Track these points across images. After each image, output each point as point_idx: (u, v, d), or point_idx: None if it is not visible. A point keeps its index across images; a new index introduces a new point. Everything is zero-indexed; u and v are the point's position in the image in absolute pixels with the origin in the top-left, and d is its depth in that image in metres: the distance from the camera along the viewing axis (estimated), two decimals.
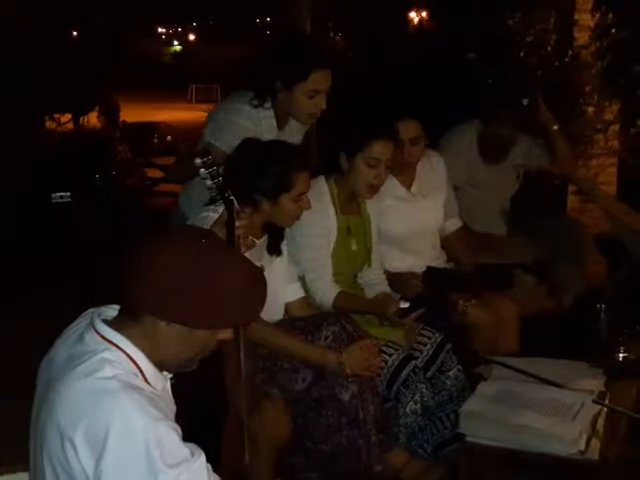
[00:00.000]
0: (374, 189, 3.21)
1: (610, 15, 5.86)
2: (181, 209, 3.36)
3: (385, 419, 2.90)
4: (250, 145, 2.88)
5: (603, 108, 5.95)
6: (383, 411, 2.90)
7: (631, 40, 5.73)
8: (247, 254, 2.28)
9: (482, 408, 2.45)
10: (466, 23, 7.11)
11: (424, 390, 2.96)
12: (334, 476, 2.80)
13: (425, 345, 3.16)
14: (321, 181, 3.22)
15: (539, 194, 5.03)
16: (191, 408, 1.96)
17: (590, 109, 5.93)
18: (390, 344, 3.01)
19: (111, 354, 1.60)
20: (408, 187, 3.59)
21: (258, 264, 2.30)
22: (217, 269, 1.63)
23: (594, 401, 2.46)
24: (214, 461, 1.61)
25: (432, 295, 3.29)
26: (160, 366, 1.68)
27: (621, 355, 2.77)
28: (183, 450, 1.53)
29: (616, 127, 6.01)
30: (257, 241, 2.82)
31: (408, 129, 3.41)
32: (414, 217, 3.57)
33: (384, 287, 3.33)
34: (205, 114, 3.67)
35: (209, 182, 2.24)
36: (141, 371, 1.63)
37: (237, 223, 2.23)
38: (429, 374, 3.10)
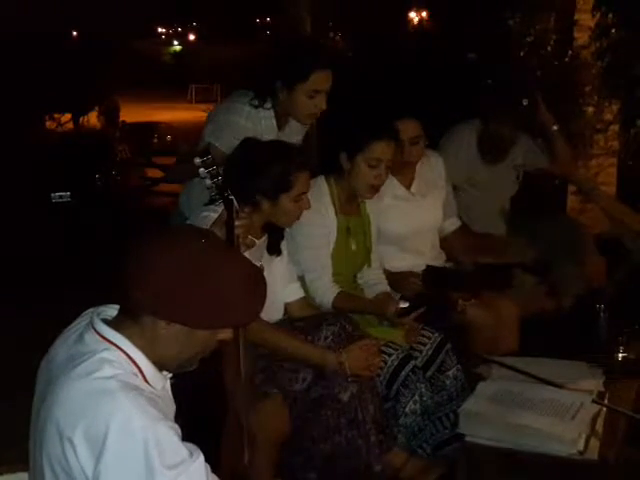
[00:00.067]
0: (375, 189, 3.22)
1: (610, 15, 5.86)
2: (181, 209, 3.36)
3: (384, 419, 2.90)
4: (250, 145, 2.88)
5: (603, 108, 5.95)
6: (382, 411, 2.90)
7: (631, 40, 5.73)
8: (247, 254, 2.28)
9: (481, 408, 2.45)
10: (466, 23, 7.11)
11: (423, 390, 2.96)
12: (333, 476, 2.80)
13: (424, 345, 3.16)
14: (321, 181, 3.23)
15: (539, 194, 5.02)
16: (191, 408, 1.96)
17: (590, 109, 5.92)
18: (390, 344, 3.01)
19: (111, 354, 1.60)
20: (407, 187, 3.60)
21: (258, 264, 2.30)
22: (217, 269, 1.63)
23: (593, 401, 2.47)
24: (213, 461, 1.61)
25: (431, 294, 3.29)
26: (160, 366, 1.68)
27: (620, 355, 2.78)
28: (182, 450, 1.53)
29: (616, 127, 6.01)
30: (257, 241, 2.82)
31: (408, 129, 3.41)
32: (413, 216, 3.57)
33: (384, 287, 3.33)
34: (205, 114, 3.67)
35: (208, 182, 2.24)
36: (141, 371, 1.63)
37: (236, 223, 2.23)
38: (428, 374, 3.10)
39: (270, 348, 2.82)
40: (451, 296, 3.38)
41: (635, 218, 3.92)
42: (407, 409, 2.94)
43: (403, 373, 2.94)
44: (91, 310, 1.74)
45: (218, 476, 1.62)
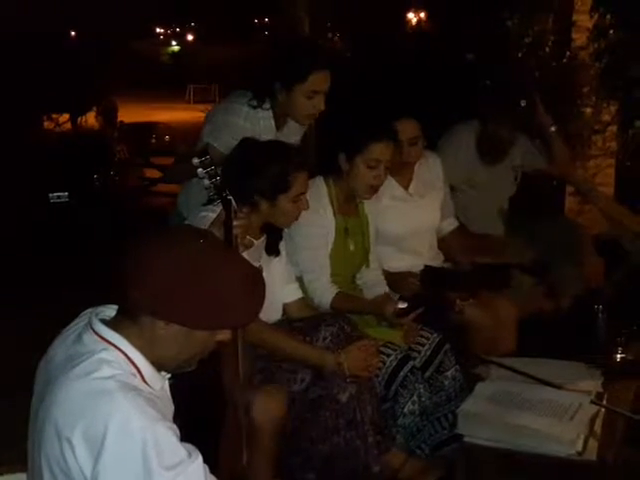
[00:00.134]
0: (373, 190, 3.22)
1: (608, 16, 5.86)
2: (179, 209, 3.36)
3: (383, 420, 2.90)
4: (248, 145, 2.88)
5: (601, 109, 5.95)
6: (381, 412, 2.90)
7: (629, 41, 5.74)
8: (245, 254, 2.28)
9: (480, 408, 2.45)
10: (464, 24, 7.10)
11: (422, 390, 2.96)
12: (332, 477, 2.80)
13: (423, 345, 3.16)
14: (319, 181, 3.23)
15: (537, 195, 5.03)
16: (189, 408, 1.95)
17: (588, 110, 5.93)
18: (388, 344, 3.01)
19: (109, 354, 1.60)
20: (406, 187, 3.60)
21: (256, 264, 2.30)
22: (215, 269, 1.63)
23: (592, 402, 2.47)
24: (212, 462, 1.61)
25: (429, 295, 3.30)
26: (158, 366, 1.68)
27: (619, 356, 2.78)
28: (180, 451, 1.53)
29: (614, 128, 6.01)
30: (255, 241, 2.83)
31: (407, 129, 3.42)
32: (412, 217, 3.57)
33: (383, 288, 3.33)
34: (203, 114, 3.67)
35: (207, 182, 2.25)
36: (139, 371, 1.63)
37: (235, 223, 2.24)
38: (427, 374, 3.10)
39: (269, 349, 2.81)
40: (449, 296, 3.38)
41: (633, 219, 3.92)
42: (406, 409, 2.94)
43: (402, 374, 2.95)
44: (90, 310, 1.74)
45: (216, 477, 1.62)
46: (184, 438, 1.56)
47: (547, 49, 5.95)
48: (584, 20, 5.94)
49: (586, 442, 2.28)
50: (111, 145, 11.63)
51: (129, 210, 8.97)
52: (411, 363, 2.99)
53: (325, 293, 3.11)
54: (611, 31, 5.86)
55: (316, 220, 3.12)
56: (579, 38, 5.96)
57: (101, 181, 9.88)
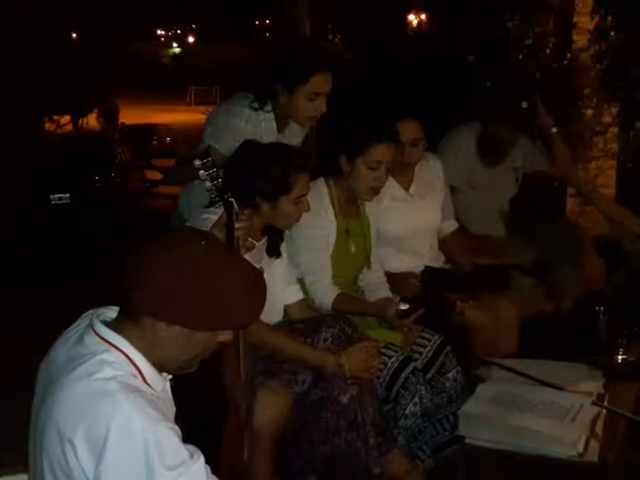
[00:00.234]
0: (375, 191, 3.22)
1: (609, 18, 5.86)
2: (180, 211, 3.36)
3: (384, 421, 2.90)
4: (250, 147, 2.89)
5: (602, 110, 5.95)
6: (382, 413, 2.90)
7: (630, 43, 5.74)
8: (246, 256, 2.28)
9: (481, 410, 2.45)
10: (465, 25, 7.10)
11: (423, 392, 2.96)
12: (333, 478, 2.79)
13: (424, 347, 3.16)
14: (320, 183, 3.23)
15: (538, 196, 5.03)
16: (191, 409, 1.95)
17: (589, 111, 5.93)
18: (389, 346, 3.01)
19: (110, 355, 1.60)
20: (406, 188, 3.60)
21: (257, 266, 2.30)
22: (217, 271, 1.63)
23: (593, 403, 2.47)
24: (213, 462, 1.61)
25: (430, 295, 3.29)
26: (159, 367, 1.68)
27: (620, 357, 2.78)
28: (182, 452, 1.53)
29: (615, 130, 6.01)
30: (256, 243, 2.83)
31: (408, 130, 3.42)
32: (412, 218, 3.57)
33: (385, 292, 3.33)
34: (204, 116, 3.67)
35: (208, 184, 2.25)
36: (140, 372, 1.63)
37: (236, 225, 2.24)
38: (428, 376, 3.09)
39: (269, 350, 2.81)
40: (449, 297, 3.38)
41: (634, 220, 3.92)
42: (407, 411, 2.94)
43: (403, 375, 2.94)
44: (91, 312, 1.74)
45: (218, 477, 1.62)
46: (185, 439, 1.57)
47: (548, 51, 5.95)
48: (585, 22, 5.94)
49: (587, 443, 2.28)
50: (112, 147, 11.63)
51: (130, 212, 8.97)
52: (412, 365, 2.99)
53: (326, 294, 3.11)
54: (612, 33, 5.85)
55: (317, 222, 3.12)
56: (580, 40, 5.96)
57: (102, 183, 9.88)
